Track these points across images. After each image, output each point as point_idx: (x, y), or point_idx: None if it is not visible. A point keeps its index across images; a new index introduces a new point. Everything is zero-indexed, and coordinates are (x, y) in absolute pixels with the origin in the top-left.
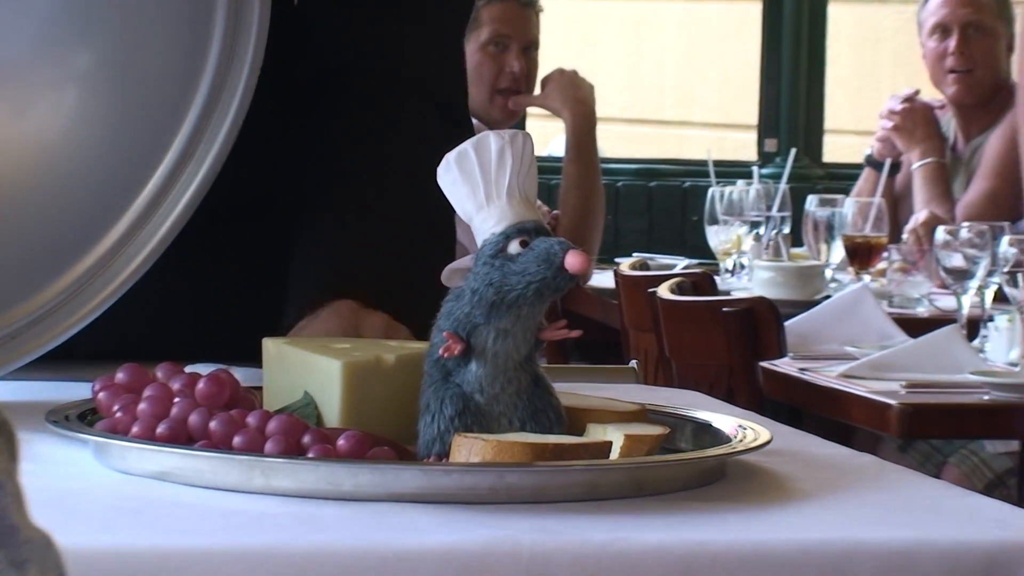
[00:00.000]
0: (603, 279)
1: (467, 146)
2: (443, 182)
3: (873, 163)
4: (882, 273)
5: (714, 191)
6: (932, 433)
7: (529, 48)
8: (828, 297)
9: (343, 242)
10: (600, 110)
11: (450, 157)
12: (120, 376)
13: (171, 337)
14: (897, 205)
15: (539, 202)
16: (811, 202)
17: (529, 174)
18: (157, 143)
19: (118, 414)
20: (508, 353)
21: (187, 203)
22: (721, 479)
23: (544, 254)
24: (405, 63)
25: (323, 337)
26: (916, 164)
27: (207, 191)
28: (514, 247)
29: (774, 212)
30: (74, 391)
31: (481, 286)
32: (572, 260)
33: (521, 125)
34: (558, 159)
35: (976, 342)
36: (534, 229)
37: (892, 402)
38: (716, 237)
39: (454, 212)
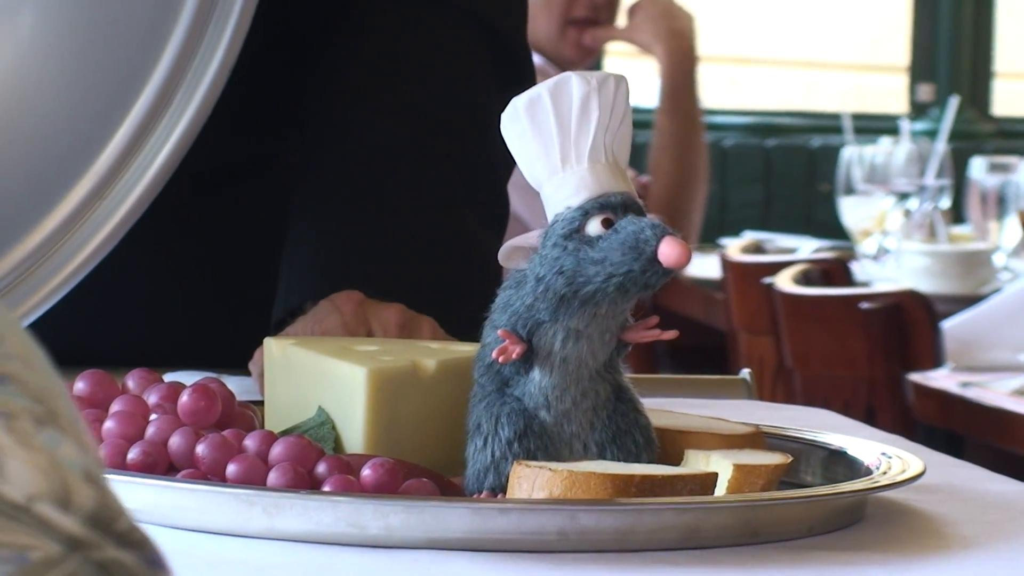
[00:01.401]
0: (706, 266)
1: (542, 90)
2: (508, 135)
3: None
4: None
5: (851, 152)
6: None
7: None
8: (999, 291)
9: (352, 211)
10: (703, 47)
11: (519, 103)
12: (79, 386)
13: (145, 336)
14: None
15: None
16: (978, 167)
17: (620, 131)
18: (128, 83)
19: None
20: (581, 358)
21: (166, 161)
22: (859, 522)
23: (632, 240)
24: None
25: (342, 337)
26: None
27: (191, 145)
28: (594, 227)
29: (929, 180)
30: None
31: (549, 274)
32: (668, 250)
33: (597, 67)
34: (648, 110)
35: None
36: (621, 205)
37: None
38: (853, 212)
39: (509, 172)
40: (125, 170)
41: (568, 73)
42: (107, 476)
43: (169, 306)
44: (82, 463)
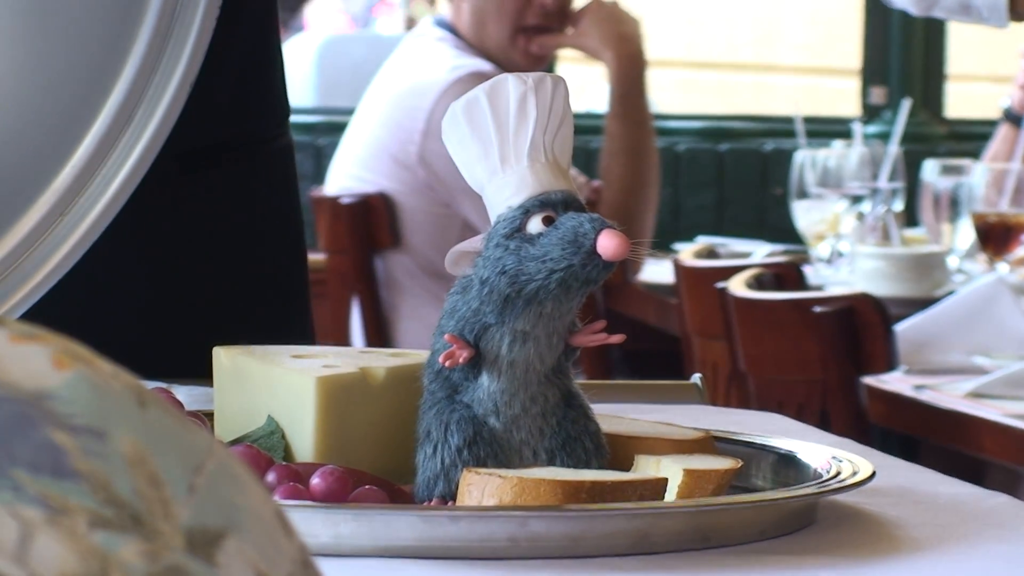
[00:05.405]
0: (659, 271)
1: (479, 93)
2: (448, 140)
3: (1012, 118)
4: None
5: (803, 156)
6: None
7: None
8: (952, 293)
9: None
10: (654, 51)
11: (457, 107)
12: None
13: (92, 346)
14: None
15: (575, 170)
16: (931, 169)
17: (560, 130)
18: (89, 99)
19: None
20: (529, 361)
21: (126, 178)
22: (810, 526)
23: (571, 234)
24: None
25: (290, 346)
26: None
27: (152, 162)
28: (535, 225)
29: (882, 183)
30: None
31: (492, 275)
32: (606, 242)
33: (549, 72)
34: (598, 115)
35: None
36: (562, 202)
37: None
38: (806, 216)
39: None
40: (86, 187)
41: (504, 75)
42: None
43: (121, 313)
44: (151, 570)
